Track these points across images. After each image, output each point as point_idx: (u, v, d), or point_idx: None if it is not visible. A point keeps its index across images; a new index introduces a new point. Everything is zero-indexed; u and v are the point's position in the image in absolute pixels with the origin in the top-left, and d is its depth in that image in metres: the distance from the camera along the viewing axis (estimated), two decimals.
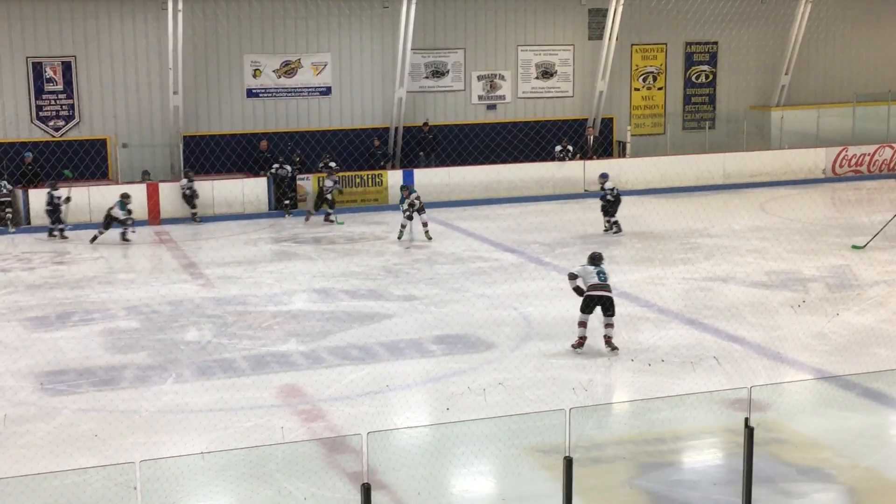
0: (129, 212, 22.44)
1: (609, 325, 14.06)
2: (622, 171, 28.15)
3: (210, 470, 9.35)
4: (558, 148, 28.35)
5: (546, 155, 28.47)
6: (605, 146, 29.79)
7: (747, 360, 13.66)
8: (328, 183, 24.25)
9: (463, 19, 28.69)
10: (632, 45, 30.18)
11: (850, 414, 11.55)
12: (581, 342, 14.08)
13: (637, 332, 15.06)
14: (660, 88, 30.90)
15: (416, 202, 21.84)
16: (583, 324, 14.14)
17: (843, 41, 31.91)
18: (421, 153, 27.91)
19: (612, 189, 22.70)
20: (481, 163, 27.73)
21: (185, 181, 24.62)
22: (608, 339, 14.01)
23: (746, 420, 6.19)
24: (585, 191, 27.40)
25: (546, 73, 29.60)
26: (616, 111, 30.32)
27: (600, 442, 10.55)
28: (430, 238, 21.98)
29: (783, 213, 24.97)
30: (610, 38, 28.82)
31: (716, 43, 31.07)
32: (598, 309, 14.06)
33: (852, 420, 11.38)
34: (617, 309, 14.21)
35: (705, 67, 31.22)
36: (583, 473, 9.29)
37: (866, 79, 32.07)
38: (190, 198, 24.61)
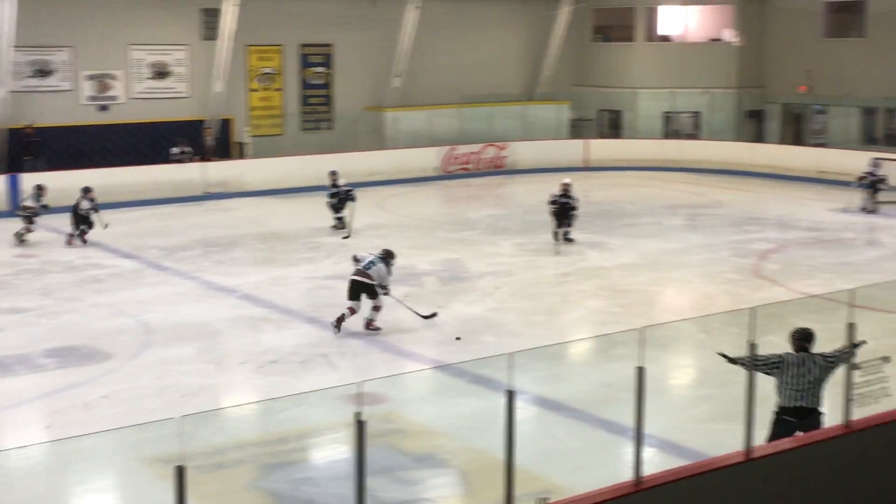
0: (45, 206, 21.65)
1: (374, 309, 14.74)
2: (242, 172, 28.04)
3: None
4: (175, 150, 27.77)
5: (163, 157, 27.78)
6: (224, 147, 29.54)
7: (367, 355, 14.05)
8: (85, 204, 21.50)
9: (69, 16, 27.37)
10: (247, 45, 30.11)
11: (463, 400, 12.16)
12: (338, 321, 14.65)
13: (260, 332, 15.06)
14: (277, 89, 31.07)
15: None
16: (350, 308, 14.70)
17: (451, 45, 33.58)
18: (26, 157, 26.31)
19: (346, 188, 22.72)
20: (95, 166, 26.54)
21: None
22: (368, 322, 14.76)
23: (357, 414, 6.34)
24: (205, 193, 26.99)
25: (160, 73, 28.89)
26: (235, 112, 30.15)
27: (223, 447, 10.44)
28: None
29: (399, 211, 25.92)
30: (224, 39, 28.60)
31: (330, 45, 31.70)
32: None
33: (464, 406, 12.00)
34: (238, 311, 14.15)
35: (321, 69, 31.76)
36: (204, 480, 9.17)
37: (472, 82, 33.93)
38: None
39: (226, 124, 29.84)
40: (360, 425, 6.32)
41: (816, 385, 9.26)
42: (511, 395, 6.92)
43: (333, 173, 23.31)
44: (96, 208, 21.48)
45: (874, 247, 22.18)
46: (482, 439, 10.89)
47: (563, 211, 21.26)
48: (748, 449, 7.97)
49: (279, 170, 28.59)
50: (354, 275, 14.92)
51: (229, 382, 13.24)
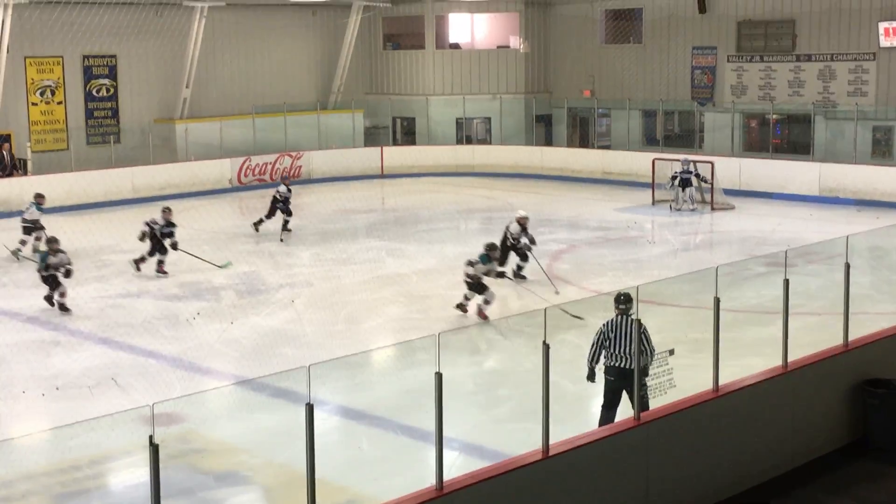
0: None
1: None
2: (23, 189, 26.73)
3: None
4: None
5: None
6: (4, 164, 28.14)
7: (162, 374, 13.66)
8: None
9: None
10: (25, 57, 28.82)
11: (263, 414, 11.97)
12: None
13: (48, 356, 14.42)
14: (59, 103, 29.85)
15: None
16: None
17: (241, 55, 33.13)
18: None
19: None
20: None
21: None
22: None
23: (150, 437, 6.13)
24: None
25: None
26: (14, 127, 28.77)
27: (10, 479, 9.92)
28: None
29: (194, 225, 25.27)
30: None
31: (114, 56, 30.70)
32: None
33: (265, 420, 11.81)
34: (24, 335, 13.49)
35: (105, 81, 30.70)
36: None
37: (265, 91, 33.53)
38: None
39: (5, 139, 28.41)
40: (155, 448, 6.13)
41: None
42: (310, 410, 6.87)
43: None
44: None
45: (658, 244, 23.15)
46: (284, 453, 10.76)
47: (514, 251, 18.58)
48: (545, 447, 8.16)
49: (63, 186, 27.42)
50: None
51: (13, 411, 12.58)
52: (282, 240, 22.71)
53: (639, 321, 9.32)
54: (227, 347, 14.78)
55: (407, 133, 36.24)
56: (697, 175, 26.29)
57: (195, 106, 32.00)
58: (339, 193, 30.06)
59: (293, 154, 32.33)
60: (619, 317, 10.14)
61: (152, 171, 29.43)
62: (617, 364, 10.06)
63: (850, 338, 10.86)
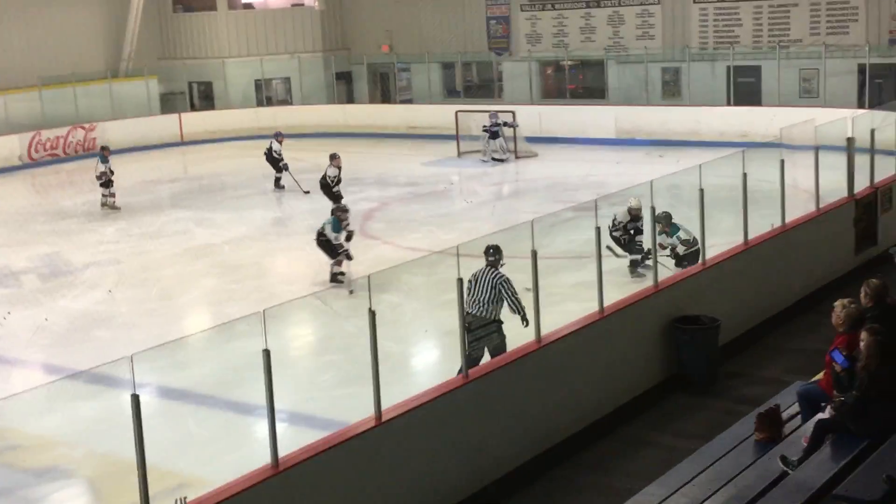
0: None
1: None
2: None
3: None
4: None
5: None
6: None
7: None
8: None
9: None
10: None
11: (81, 403, 11.52)
12: None
13: None
14: None
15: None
16: None
17: (22, 24, 31.41)
18: None
19: None
20: None
21: None
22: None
23: None
24: None
25: None
26: None
27: None
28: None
29: None
30: None
31: None
32: None
33: (83, 409, 11.36)
34: None
35: None
36: None
37: (50, 61, 31.91)
38: None
39: None
40: None
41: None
42: (136, 400, 6.66)
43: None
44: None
45: (467, 195, 23.40)
46: (107, 443, 10.40)
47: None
48: (378, 414, 8.17)
49: None
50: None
51: None
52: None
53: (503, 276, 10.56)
54: (36, 335, 14.13)
55: (205, 98, 35.34)
56: (506, 124, 26.67)
57: None
58: (139, 164, 29.08)
59: (86, 126, 31.03)
60: (488, 267, 10.71)
61: None
62: (472, 312, 10.45)
63: (659, 278, 11.29)
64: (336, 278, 15.79)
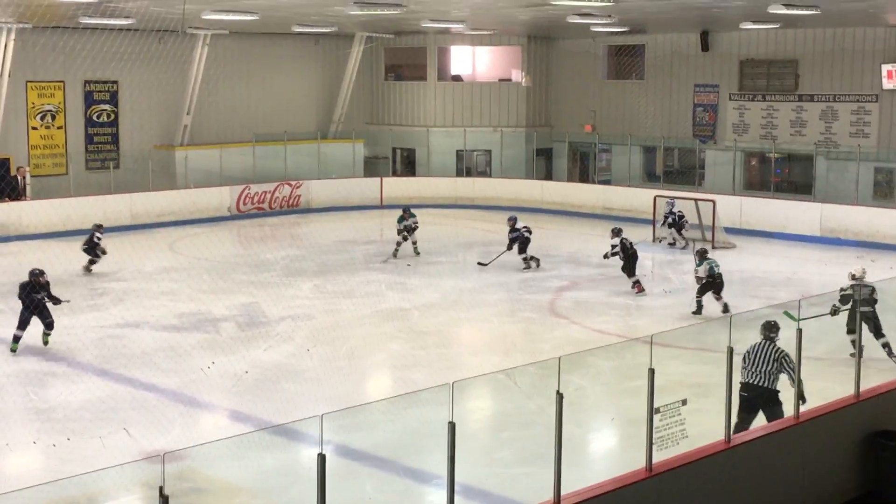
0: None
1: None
2: (23, 213, 26.66)
3: None
4: None
5: None
6: (17, 188, 27.99)
7: (162, 408, 13.48)
8: None
9: None
10: (27, 81, 28.75)
11: (265, 453, 11.76)
12: None
13: (45, 388, 14.24)
14: (59, 127, 29.75)
15: (413, 225, 24.31)
16: None
17: (242, 83, 33.06)
18: None
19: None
20: None
21: None
22: None
23: (161, 488, 5.97)
24: None
25: None
26: (13, 151, 28.63)
27: None
28: (417, 253, 24.53)
29: (192, 253, 25.20)
30: (1, 75, 27.17)
31: (116, 82, 30.64)
32: None
33: (267, 459, 11.60)
34: (19, 365, 13.26)
35: (107, 106, 30.61)
36: None
37: (265, 119, 33.45)
38: None
39: (4, 164, 28.29)
40: (165, 500, 5.97)
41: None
42: (322, 460, 6.75)
43: (511, 219, 23.72)
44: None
45: (659, 283, 22.98)
46: (286, 494, 10.58)
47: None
48: (557, 497, 8.01)
49: (62, 211, 27.30)
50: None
51: (11, 444, 12.37)
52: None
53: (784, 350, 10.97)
54: (228, 381, 14.59)
55: (407, 164, 36.20)
56: (680, 215, 26.46)
57: (196, 133, 31.93)
58: (339, 223, 29.96)
59: (292, 183, 32.25)
60: (765, 342, 11.18)
61: (151, 197, 29.35)
62: (752, 382, 10.99)
63: (861, 388, 10.74)
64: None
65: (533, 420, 12.16)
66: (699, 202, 26.93)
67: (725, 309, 18.46)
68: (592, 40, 34.36)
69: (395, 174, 35.56)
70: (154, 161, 30.73)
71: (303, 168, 33.13)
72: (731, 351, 9.30)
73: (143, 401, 13.73)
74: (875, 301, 14.92)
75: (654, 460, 8.89)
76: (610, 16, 25.35)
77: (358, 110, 35.65)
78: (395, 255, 24.23)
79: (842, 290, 15.16)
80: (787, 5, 21.44)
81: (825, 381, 13.41)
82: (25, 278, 16.22)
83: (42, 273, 16.27)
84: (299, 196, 32.23)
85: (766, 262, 24.57)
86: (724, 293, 18.68)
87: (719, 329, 9.38)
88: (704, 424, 9.93)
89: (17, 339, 15.92)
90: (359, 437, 12.15)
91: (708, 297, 18.59)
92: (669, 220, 26.50)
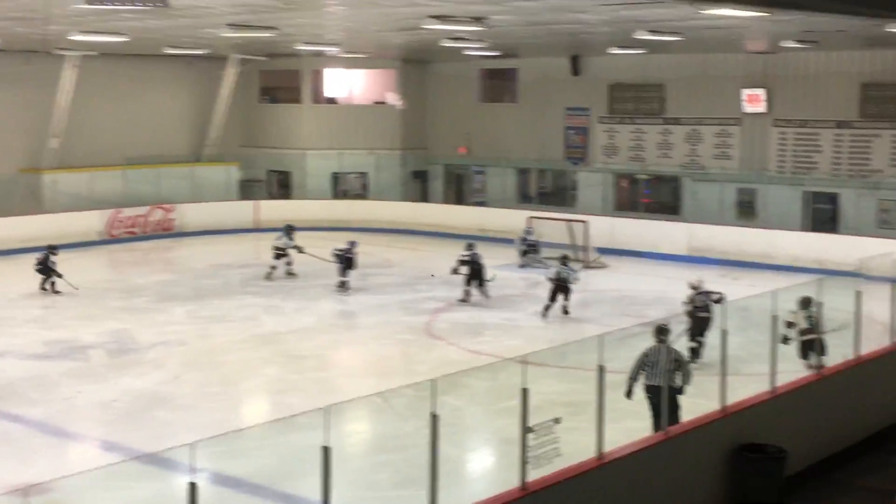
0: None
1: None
2: None
3: None
4: None
5: None
6: None
7: (27, 439, 13.08)
8: None
9: None
10: None
11: (136, 483, 11.54)
12: None
13: None
14: None
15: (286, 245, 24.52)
16: None
17: (113, 105, 32.36)
18: None
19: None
20: None
21: None
22: None
23: None
24: None
25: None
26: None
27: None
28: (292, 275, 24.53)
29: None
30: None
31: None
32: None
33: (138, 489, 11.37)
34: None
35: None
36: None
37: (137, 142, 32.81)
38: None
39: None
40: None
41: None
42: (193, 488, 6.65)
43: None
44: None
45: (533, 301, 23.27)
46: None
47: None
48: None
49: None
50: None
51: None
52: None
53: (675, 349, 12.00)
54: (98, 411, 14.25)
55: (282, 187, 35.95)
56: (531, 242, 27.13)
57: (65, 156, 31.10)
58: (213, 247, 29.56)
59: (166, 206, 31.70)
60: (660, 344, 11.96)
61: (17, 222, 28.46)
62: (657, 384, 11.61)
63: (727, 402, 11.07)
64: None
65: (409, 442, 12.21)
66: (572, 223, 27.42)
67: (565, 311, 20.28)
68: (466, 64, 34.75)
69: (270, 197, 35.27)
70: (21, 184, 29.83)
71: (176, 191, 32.60)
72: (601, 369, 9.49)
73: (6, 433, 13.30)
74: (718, 302, 16.06)
75: (529, 479, 9.00)
76: (482, 40, 25.68)
77: (233, 133, 35.26)
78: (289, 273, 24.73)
79: (683, 303, 16.83)
80: (653, 31, 22.06)
81: (694, 396, 13.82)
82: None
83: None
84: (173, 220, 31.69)
85: (636, 281, 25.15)
86: (593, 310, 19.16)
87: (592, 348, 9.56)
88: (579, 442, 10.10)
89: None
90: (234, 464, 12.01)
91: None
92: (523, 247, 26.94)
